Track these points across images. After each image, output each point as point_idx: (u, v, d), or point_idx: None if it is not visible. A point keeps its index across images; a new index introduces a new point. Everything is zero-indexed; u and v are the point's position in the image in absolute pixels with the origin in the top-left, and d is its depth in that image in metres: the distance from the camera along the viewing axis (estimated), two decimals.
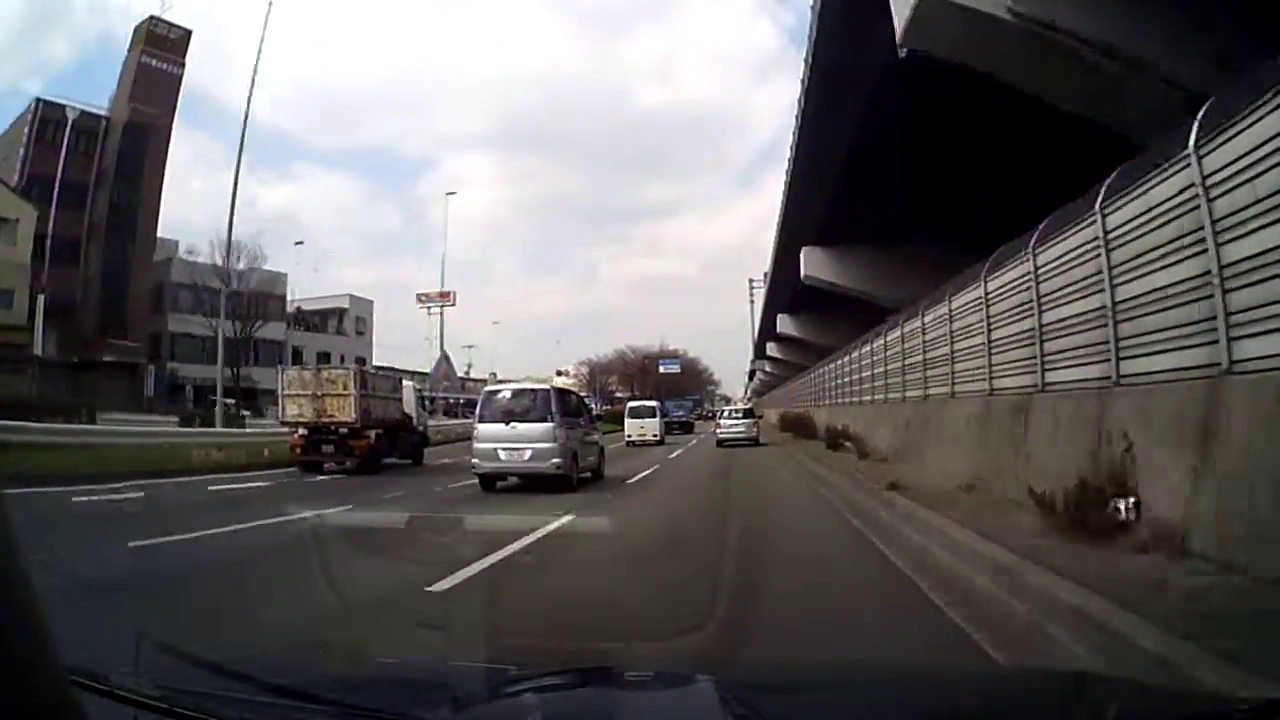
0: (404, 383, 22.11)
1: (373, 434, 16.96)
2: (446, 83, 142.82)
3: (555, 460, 11.67)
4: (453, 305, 74.65)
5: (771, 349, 54.12)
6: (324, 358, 50.28)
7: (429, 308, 75.77)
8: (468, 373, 78.81)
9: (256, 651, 3.52)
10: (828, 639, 4.04)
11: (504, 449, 11.84)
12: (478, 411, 12.73)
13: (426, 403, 24.70)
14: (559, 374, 49.24)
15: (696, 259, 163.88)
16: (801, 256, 26.74)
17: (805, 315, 37.74)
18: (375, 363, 48.11)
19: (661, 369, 76.97)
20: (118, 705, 1.21)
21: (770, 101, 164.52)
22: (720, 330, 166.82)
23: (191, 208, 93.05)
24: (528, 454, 11.70)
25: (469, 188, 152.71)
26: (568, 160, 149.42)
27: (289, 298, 53.86)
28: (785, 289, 33.59)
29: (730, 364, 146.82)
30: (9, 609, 0.76)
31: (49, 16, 65.81)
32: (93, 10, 76.67)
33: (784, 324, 44.10)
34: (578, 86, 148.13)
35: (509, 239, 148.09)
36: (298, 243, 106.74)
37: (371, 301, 64.97)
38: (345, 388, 16.70)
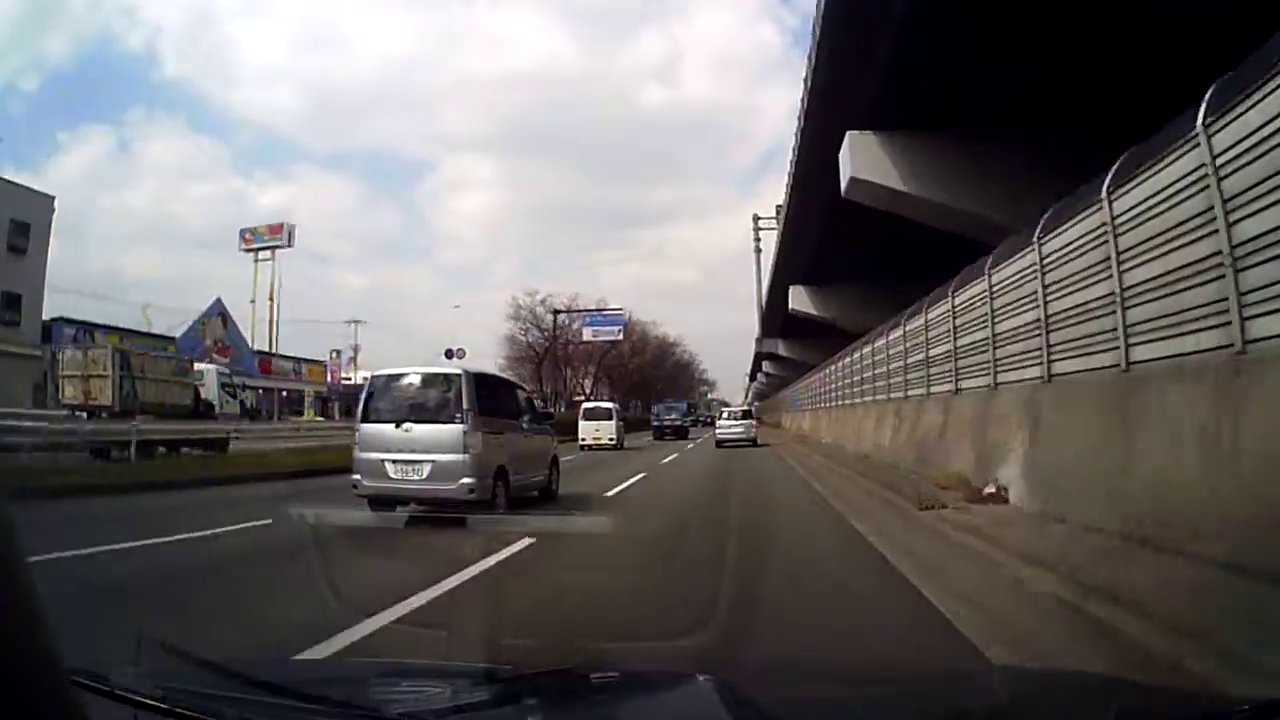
0: (204, 366, 21.07)
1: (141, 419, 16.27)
2: (447, 84, 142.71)
3: (467, 480, 8.34)
4: (287, 246, 55.48)
5: (796, 295, 33.28)
6: None
7: (255, 250, 55.40)
8: (353, 361, 58.08)
9: (257, 652, 3.52)
10: None
11: (394, 462, 8.49)
12: (360, 406, 9.34)
13: (235, 390, 22.86)
14: (449, 355, 35.26)
15: (697, 264, 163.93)
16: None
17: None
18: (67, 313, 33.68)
19: (590, 332, 48.07)
20: (118, 705, 1.20)
21: (771, 106, 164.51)
22: (720, 336, 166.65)
23: (189, 207, 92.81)
24: (426, 469, 8.42)
25: (467, 190, 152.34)
26: (569, 164, 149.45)
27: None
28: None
29: (729, 371, 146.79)
30: (9, 609, 0.76)
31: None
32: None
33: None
34: (579, 89, 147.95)
35: (507, 242, 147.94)
36: None
37: (51, 199, 34.14)
38: (105, 368, 16.09)
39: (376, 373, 9.82)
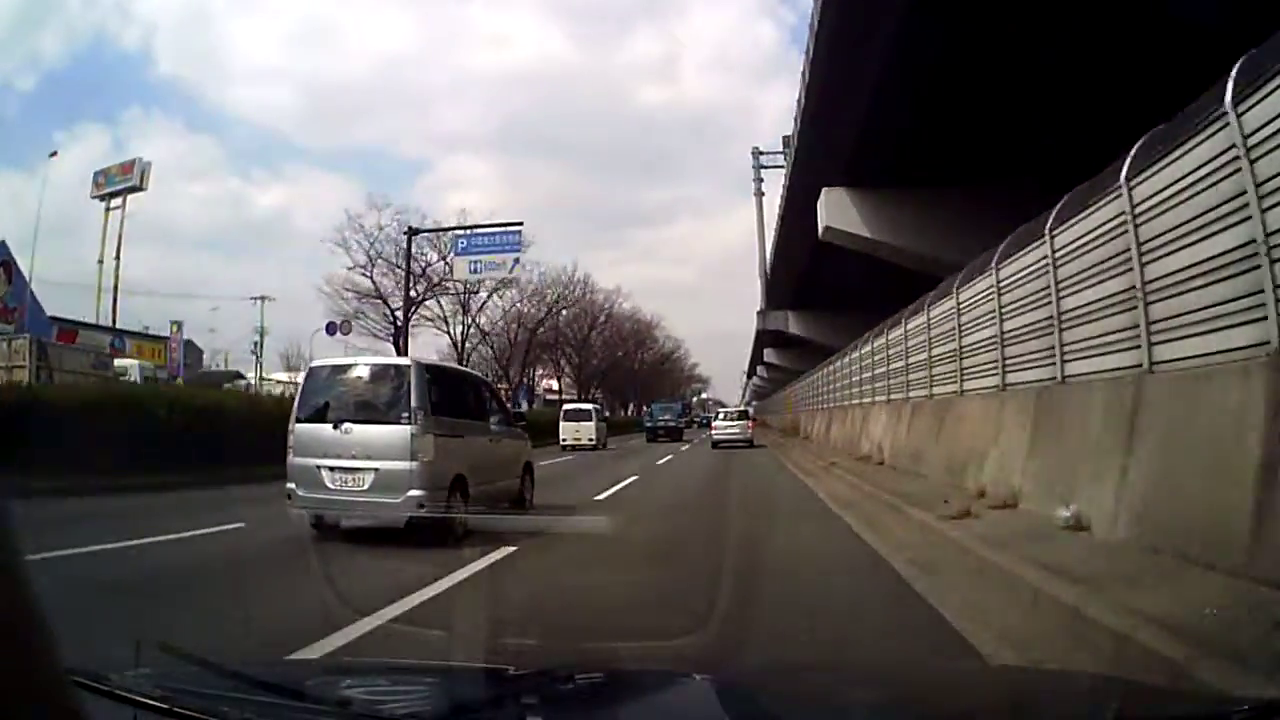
0: (126, 361, 21.31)
1: None
2: (443, 83, 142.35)
3: (415, 492, 7.15)
4: (140, 189, 43.64)
5: (833, 206, 17.91)
6: None
7: (107, 195, 43.11)
8: (258, 346, 47.01)
9: (257, 653, 3.52)
10: None
11: (331, 469, 7.31)
12: (296, 404, 8.05)
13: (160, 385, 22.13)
14: (330, 331, 28.92)
15: (694, 264, 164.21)
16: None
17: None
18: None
19: (465, 265, 26.62)
20: (118, 705, 1.20)
21: (770, 104, 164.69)
22: (718, 335, 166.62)
23: (187, 206, 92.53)
24: (368, 479, 7.22)
25: (463, 190, 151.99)
26: (566, 163, 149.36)
27: None
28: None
29: (725, 368, 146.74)
30: (9, 609, 0.76)
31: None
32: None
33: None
34: (576, 88, 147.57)
35: None
36: None
37: None
38: (23, 359, 16.74)
39: (316, 363, 8.74)
